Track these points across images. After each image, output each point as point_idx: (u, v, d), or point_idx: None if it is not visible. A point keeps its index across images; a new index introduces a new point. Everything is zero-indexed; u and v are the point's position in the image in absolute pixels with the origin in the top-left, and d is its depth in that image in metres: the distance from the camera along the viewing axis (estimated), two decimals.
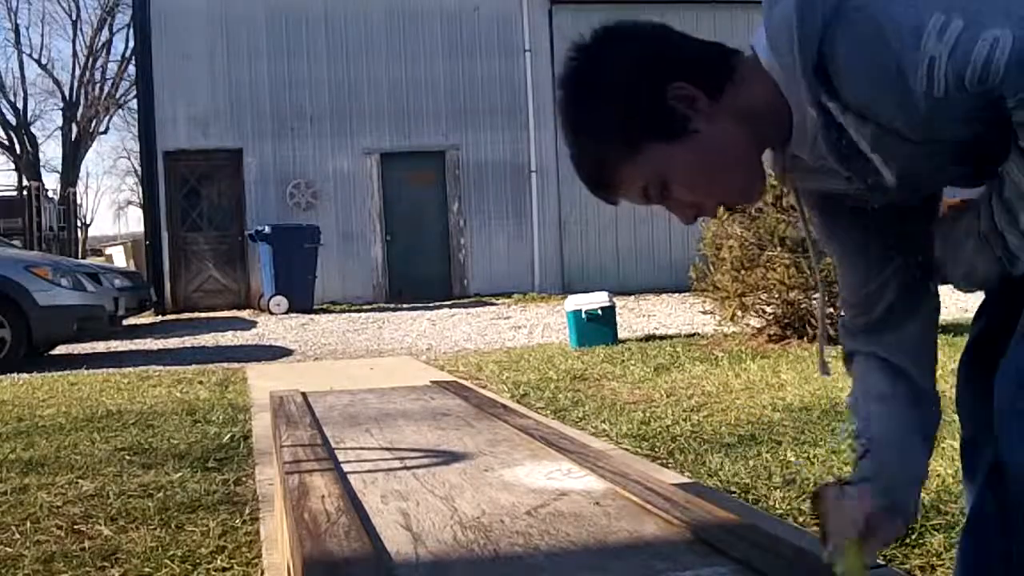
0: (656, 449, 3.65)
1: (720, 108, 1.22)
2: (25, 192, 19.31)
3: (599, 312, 7.34)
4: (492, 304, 12.73)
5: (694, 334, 7.80)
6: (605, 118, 1.23)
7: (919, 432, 1.49)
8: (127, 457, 3.77)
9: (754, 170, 1.26)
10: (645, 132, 1.22)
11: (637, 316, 10.06)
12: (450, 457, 1.94)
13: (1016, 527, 1.17)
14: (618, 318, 7.65)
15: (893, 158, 1.17)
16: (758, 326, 7.05)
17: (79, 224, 29.85)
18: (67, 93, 33.88)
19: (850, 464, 2.76)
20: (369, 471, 1.83)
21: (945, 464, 3.17)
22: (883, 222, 1.34)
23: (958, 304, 10.67)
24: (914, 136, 1.14)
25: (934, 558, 2.31)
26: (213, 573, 2.42)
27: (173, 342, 9.27)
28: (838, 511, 1.35)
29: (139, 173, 26.15)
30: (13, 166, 32.65)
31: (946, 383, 4.75)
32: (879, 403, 1.45)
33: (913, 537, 2.44)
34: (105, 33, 34.06)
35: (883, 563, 2.30)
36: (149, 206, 13.89)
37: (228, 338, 9.53)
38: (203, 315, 12.81)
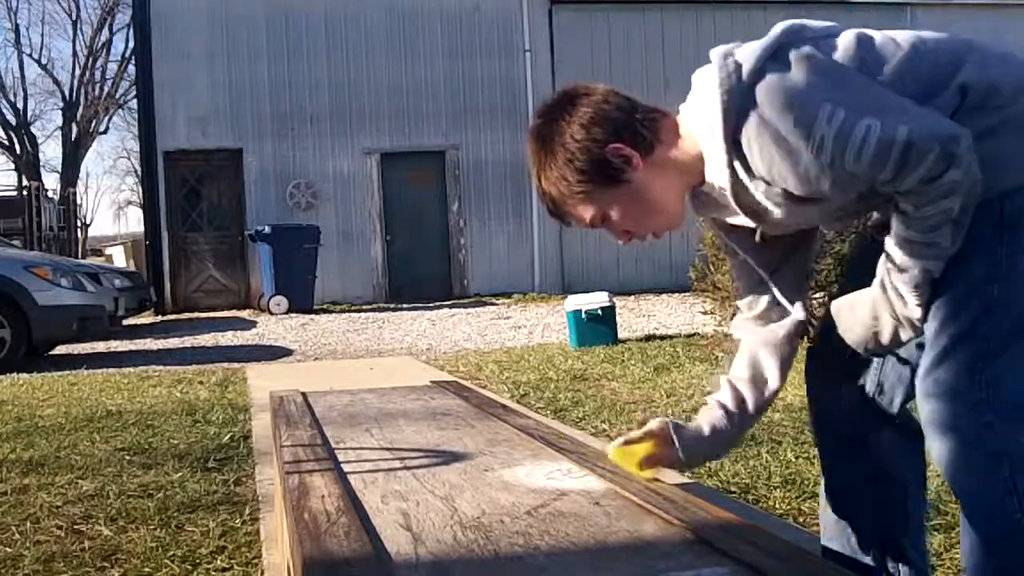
0: None
1: (651, 162, 1.57)
2: (25, 192, 19.31)
3: (599, 312, 7.34)
4: (492, 304, 12.73)
5: (694, 334, 7.80)
6: (561, 168, 1.58)
7: (747, 424, 1.81)
8: (127, 457, 3.77)
9: (674, 208, 1.63)
10: (590, 180, 1.57)
11: (637, 316, 10.06)
12: (450, 457, 1.94)
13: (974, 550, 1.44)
14: (618, 318, 7.65)
15: (778, 207, 1.53)
16: None
17: (79, 224, 29.85)
18: (67, 93, 33.90)
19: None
20: (369, 471, 1.83)
21: None
22: (768, 245, 1.71)
23: None
24: (801, 194, 1.48)
25: (934, 558, 2.30)
26: (213, 573, 2.42)
27: (173, 342, 9.27)
28: (659, 437, 1.73)
29: (139, 173, 26.16)
30: (13, 166, 32.67)
31: None
32: (750, 379, 1.79)
33: None
34: (105, 33, 34.09)
35: None
36: (149, 206, 13.89)
37: (228, 338, 9.53)
38: (203, 315, 12.81)
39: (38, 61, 35.02)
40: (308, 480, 1.71)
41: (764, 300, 1.77)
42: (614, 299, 7.65)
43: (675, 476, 3.21)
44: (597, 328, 7.30)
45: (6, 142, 33.15)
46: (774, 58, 1.46)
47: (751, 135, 1.44)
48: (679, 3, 14.91)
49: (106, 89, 34.44)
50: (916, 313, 1.46)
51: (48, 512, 2.98)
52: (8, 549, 2.62)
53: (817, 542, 1.93)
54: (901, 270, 1.46)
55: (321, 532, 1.38)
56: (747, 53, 1.49)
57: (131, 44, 24.29)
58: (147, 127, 13.68)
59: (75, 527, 2.82)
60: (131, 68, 26.19)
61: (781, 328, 1.77)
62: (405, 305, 13.00)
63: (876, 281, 1.51)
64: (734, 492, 3.01)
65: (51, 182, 33.35)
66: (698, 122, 1.54)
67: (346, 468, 1.85)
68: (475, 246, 14.34)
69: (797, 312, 1.76)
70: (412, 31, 14.13)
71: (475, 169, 14.25)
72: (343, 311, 12.43)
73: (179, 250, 13.78)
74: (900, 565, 1.73)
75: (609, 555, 1.31)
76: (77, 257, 21.86)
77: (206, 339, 9.48)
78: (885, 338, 1.52)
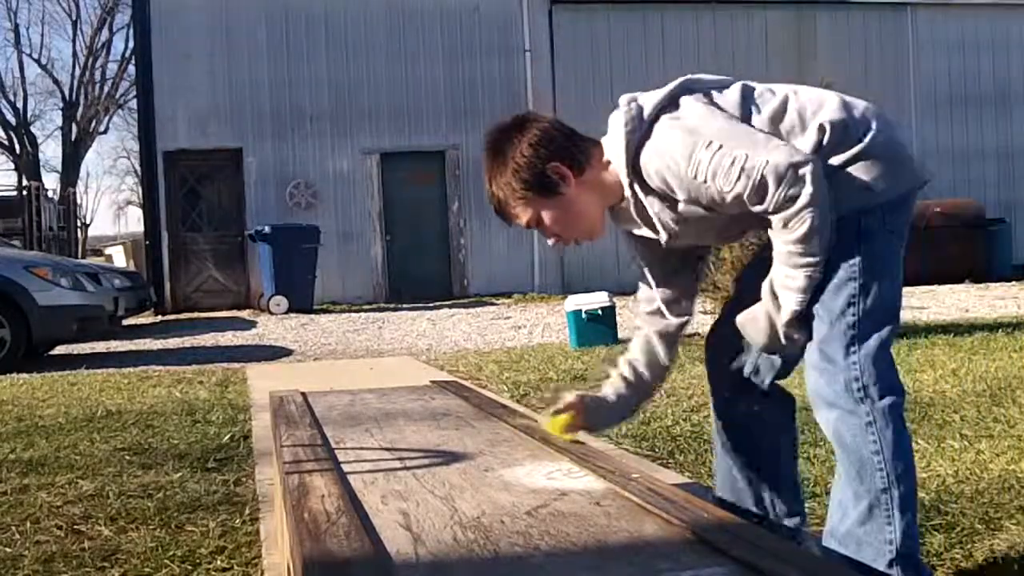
0: (656, 449, 3.65)
1: (581, 181, 1.93)
2: (25, 192, 19.30)
3: (599, 312, 7.34)
4: (492, 304, 12.73)
5: (694, 334, 7.78)
6: (509, 177, 1.93)
7: (645, 394, 2.23)
8: (127, 457, 3.77)
9: (596, 221, 1.98)
10: (531, 191, 1.92)
11: None
12: (450, 457, 1.94)
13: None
14: (618, 318, 7.65)
15: (674, 222, 1.90)
16: None
17: (79, 224, 29.84)
18: (67, 93, 33.91)
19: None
20: (369, 471, 1.83)
21: (945, 464, 3.17)
22: (668, 259, 2.08)
23: (958, 305, 10.66)
24: (684, 209, 1.84)
25: (934, 558, 2.30)
26: (213, 573, 2.42)
27: (173, 342, 9.27)
28: (576, 407, 2.13)
29: (139, 173, 26.15)
30: (13, 166, 32.66)
31: (946, 383, 4.77)
32: (646, 361, 2.16)
33: None
34: (105, 33, 34.13)
35: None
36: (149, 206, 13.89)
37: (228, 338, 9.53)
38: (203, 315, 12.81)
39: (38, 61, 35.07)
40: (308, 480, 1.71)
41: (659, 300, 2.13)
42: (614, 299, 7.65)
43: (675, 476, 3.21)
44: (597, 328, 7.30)
45: (6, 142, 33.16)
46: (670, 103, 1.87)
47: (646, 161, 1.83)
48: (679, 3, 14.91)
49: (106, 89, 34.48)
50: (797, 311, 1.81)
51: (48, 512, 2.98)
52: (8, 549, 2.62)
53: (817, 539, 1.94)
54: (787, 278, 1.80)
55: (321, 532, 1.38)
56: (648, 98, 1.88)
57: (131, 44, 24.29)
58: (147, 127, 13.68)
59: (75, 527, 2.82)
60: (131, 68, 26.18)
61: (673, 323, 2.14)
62: (405, 305, 13.00)
63: (765, 292, 1.86)
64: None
65: (51, 182, 33.40)
66: (612, 153, 1.90)
67: (346, 468, 1.85)
68: (475, 246, 14.34)
69: (686, 311, 2.14)
70: (412, 31, 14.13)
71: (475, 169, 14.21)
72: (343, 311, 12.43)
73: (179, 250, 13.78)
74: (777, 512, 2.12)
75: (609, 555, 1.31)
76: (77, 257, 21.86)
77: (206, 339, 9.48)
78: (783, 340, 1.88)
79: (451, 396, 2.79)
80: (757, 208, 1.75)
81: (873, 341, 1.78)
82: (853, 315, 1.78)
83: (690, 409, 4.48)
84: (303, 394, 2.87)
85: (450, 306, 12.49)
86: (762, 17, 15.16)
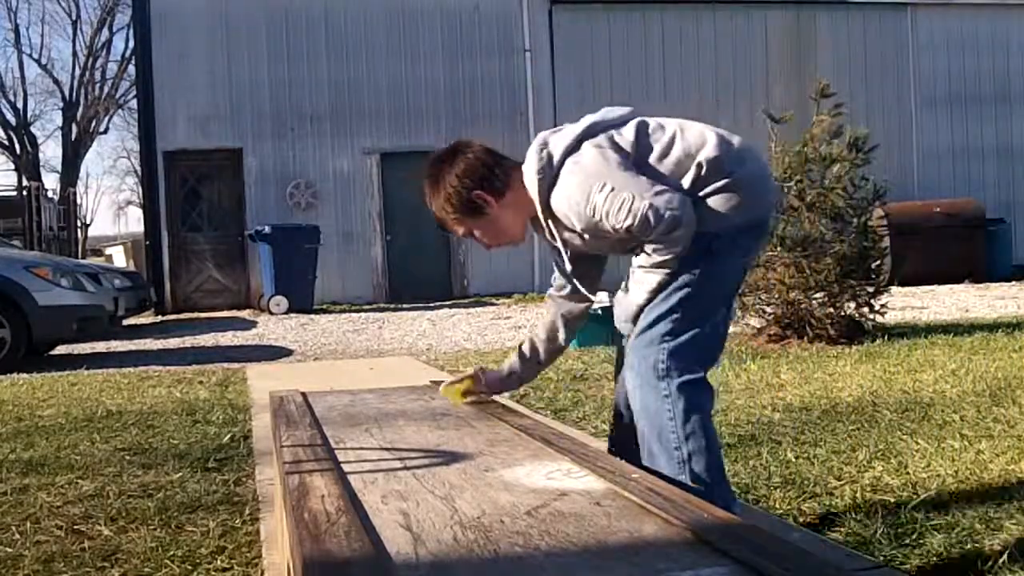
0: None
1: (502, 203, 2.32)
2: (25, 192, 19.30)
3: (599, 312, 7.31)
4: (492, 304, 12.73)
5: None
6: (442, 201, 2.34)
7: (535, 371, 2.69)
8: (127, 457, 3.77)
9: (517, 232, 2.41)
10: (461, 213, 2.34)
11: None
12: (450, 457, 1.94)
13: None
14: None
15: (578, 243, 2.33)
16: (758, 326, 7.05)
17: (79, 224, 29.83)
18: (67, 93, 33.89)
19: (840, 460, 2.76)
20: (369, 471, 1.83)
21: (945, 464, 3.17)
22: (576, 258, 2.44)
23: (958, 305, 10.65)
24: (588, 236, 2.26)
25: (934, 558, 2.31)
26: (213, 573, 2.42)
27: (173, 342, 9.27)
28: (475, 378, 2.64)
29: (139, 173, 26.15)
30: (13, 166, 32.63)
31: (946, 383, 4.77)
32: (547, 338, 2.61)
33: (913, 537, 2.45)
34: (105, 33, 34.10)
35: (883, 563, 2.30)
36: (149, 206, 13.89)
37: (228, 338, 9.53)
38: (203, 315, 12.81)
39: (38, 61, 35.06)
40: (308, 480, 1.71)
41: (569, 288, 2.55)
42: (613, 300, 7.64)
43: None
44: (597, 328, 7.28)
45: (6, 142, 33.15)
46: (575, 147, 2.22)
47: (555, 202, 2.23)
48: (679, 3, 14.90)
49: (106, 89, 34.46)
50: (641, 305, 2.25)
51: (48, 512, 2.98)
52: (8, 549, 2.62)
53: (816, 540, 1.94)
54: (644, 281, 2.23)
55: (321, 532, 1.38)
56: (557, 144, 2.24)
57: (131, 44, 24.27)
58: (147, 127, 13.67)
59: (75, 527, 2.82)
60: (131, 68, 26.17)
61: (578, 307, 2.60)
62: (405, 305, 13.00)
63: (626, 285, 2.32)
64: (734, 492, 3.01)
65: (51, 182, 33.38)
66: (528, 186, 2.28)
67: (346, 468, 1.85)
68: (475, 246, 14.26)
69: (589, 298, 2.58)
70: (412, 31, 14.13)
71: None
72: (343, 311, 12.43)
73: (179, 250, 13.78)
74: None
75: (609, 555, 1.31)
76: (77, 257, 21.86)
77: (206, 339, 9.48)
78: (634, 320, 2.28)
79: None
80: (641, 237, 2.16)
81: (684, 336, 2.18)
82: (676, 314, 2.18)
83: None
84: (303, 394, 2.87)
85: (450, 306, 12.49)
86: (762, 17, 15.16)
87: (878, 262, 7.17)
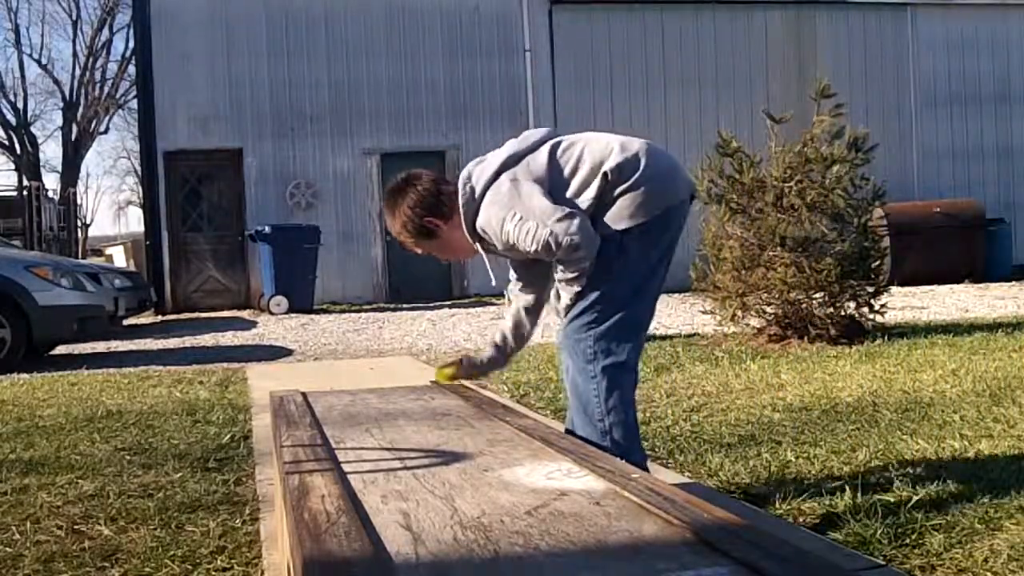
0: (656, 449, 3.65)
1: (451, 224, 2.63)
2: (25, 192, 19.30)
3: None
4: (492, 304, 12.73)
5: (694, 334, 7.80)
6: (399, 227, 2.68)
7: (509, 357, 3.00)
8: (127, 457, 3.77)
9: (467, 248, 2.68)
10: (415, 236, 2.67)
11: None
12: (450, 457, 1.94)
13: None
14: None
15: (498, 256, 2.68)
16: (758, 326, 7.05)
17: (79, 224, 29.82)
18: (67, 93, 33.88)
19: (840, 460, 2.77)
20: (369, 471, 1.83)
21: (945, 464, 3.17)
22: (521, 263, 2.78)
23: (958, 305, 10.64)
24: (508, 254, 2.62)
25: (934, 558, 2.31)
26: (213, 573, 2.42)
27: (173, 342, 9.27)
28: (460, 364, 3.06)
29: (139, 173, 26.15)
30: (13, 166, 32.63)
31: (946, 383, 4.77)
32: (513, 327, 2.92)
33: (913, 537, 2.45)
34: (105, 33, 34.07)
35: (883, 563, 2.30)
36: (149, 206, 13.89)
37: (228, 338, 9.53)
38: (203, 315, 12.81)
39: (38, 61, 35.04)
40: (308, 480, 1.71)
41: (520, 283, 2.84)
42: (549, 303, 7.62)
43: (675, 476, 3.21)
44: None
45: (6, 142, 33.14)
46: (494, 179, 2.54)
47: (481, 225, 2.54)
48: (679, 3, 14.90)
49: (106, 89, 34.44)
50: (568, 304, 2.55)
51: (48, 512, 2.98)
52: (8, 549, 2.62)
53: (816, 540, 1.94)
54: (564, 291, 2.54)
55: (321, 532, 1.38)
56: (479, 177, 2.57)
57: (131, 44, 24.29)
58: (147, 127, 13.67)
59: (75, 527, 2.82)
60: (131, 68, 26.19)
61: (531, 299, 2.85)
62: (405, 305, 13.00)
63: (557, 292, 2.60)
64: (734, 492, 3.02)
65: (51, 182, 33.36)
66: (463, 218, 2.60)
67: (346, 468, 1.85)
68: None
69: (540, 291, 2.82)
70: (412, 31, 14.13)
71: None
72: (343, 311, 12.43)
73: (179, 250, 13.78)
74: None
75: (609, 555, 1.31)
76: (77, 257, 21.86)
77: (206, 339, 9.48)
78: (563, 313, 2.59)
79: (451, 396, 2.79)
80: (547, 258, 2.50)
81: (609, 322, 2.48)
82: (599, 304, 2.48)
83: (690, 409, 4.48)
84: (303, 394, 2.87)
85: (450, 306, 12.49)
86: (762, 17, 15.16)
87: (878, 262, 7.17)
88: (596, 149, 2.51)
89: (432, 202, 2.65)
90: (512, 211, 2.46)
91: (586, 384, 2.50)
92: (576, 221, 2.41)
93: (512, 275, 2.87)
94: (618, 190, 2.46)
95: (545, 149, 2.55)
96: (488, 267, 2.80)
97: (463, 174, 2.63)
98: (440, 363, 3.08)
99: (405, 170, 2.82)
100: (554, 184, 2.49)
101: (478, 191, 2.56)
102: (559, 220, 2.40)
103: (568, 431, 2.55)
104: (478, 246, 2.68)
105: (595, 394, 2.49)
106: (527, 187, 2.49)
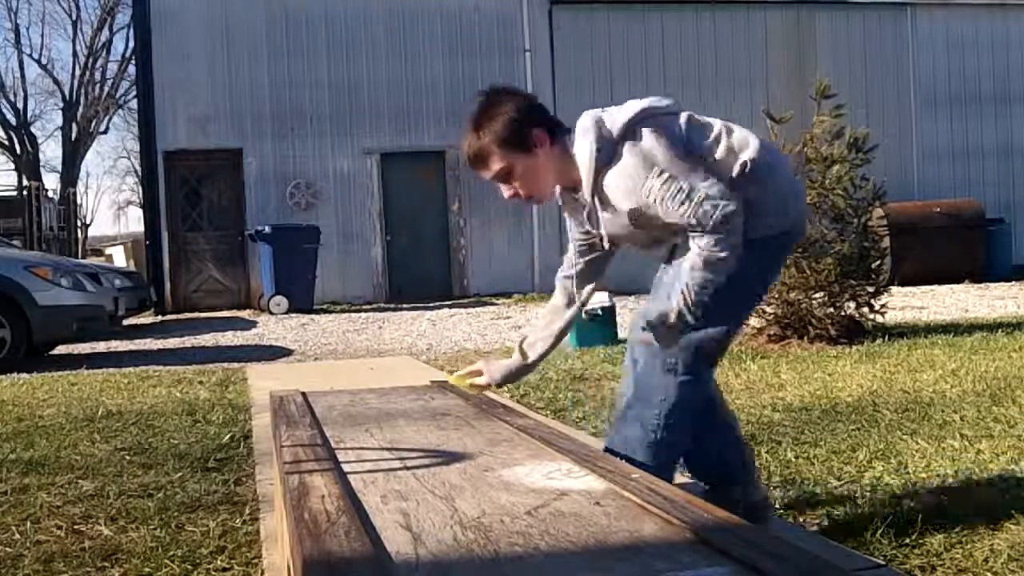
0: None
1: (551, 152, 2.28)
2: (25, 192, 19.31)
3: (599, 312, 7.34)
4: (492, 304, 12.73)
5: None
6: (498, 126, 2.28)
7: (546, 349, 2.61)
8: (127, 457, 3.77)
9: (548, 189, 2.36)
10: (512, 143, 2.26)
11: None
12: (450, 457, 1.94)
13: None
14: (618, 318, 7.65)
15: (617, 229, 2.30)
16: (758, 326, 7.05)
17: (79, 224, 29.84)
18: (67, 93, 33.89)
19: (840, 460, 2.76)
20: (369, 471, 1.83)
21: (945, 464, 3.17)
22: (591, 243, 2.49)
23: (958, 305, 10.64)
24: (629, 219, 2.23)
25: (934, 558, 2.31)
26: (213, 573, 2.42)
27: (173, 342, 9.27)
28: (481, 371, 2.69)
29: (139, 173, 26.16)
30: (13, 166, 32.64)
31: (946, 383, 4.77)
32: (545, 324, 2.60)
33: (913, 537, 2.44)
34: (105, 33, 34.09)
35: (883, 563, 2.30)
36: (149, 206, 13.89)
37: (228, 338, 9.53)
38: (203, 315, 12.81)
39: (38, 61, 35.09)
40: (308, 480, 1.71)
41: (578, 267, 2.55)
42: (614, 299, 7.65)
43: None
44: (597, 328, 7.29)
45: (6, 142, 33.14)
46: (631, 130, 2.20)
47: (608, 182, 2.20)
48: (679, 3, 14.91)
49: (106, 89, 34.45)
50: (683, 310, 2.18)
51: (48, 512, 2.98)
52: (8, 549, 2.62)
53: (817, 539, 1.94)
54: (697, 276, 2.15)
55: (321, 532, 1.38)
56: (614, 122, 2.22)
57: (131, 44, 24.30)
58: (147, 127, 13.67)
59: (75, 527, 2.82)
60: (131, 68, 26.19)
61: (581, 294, 2.57)
62: (405, 305, 13.00)
63: (680, 276, 2.20)
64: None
65: (51, 182, 33.36)
66: (579, 159, 2.25)
67: (346, 468, 1.85)
68: (475, 246, 14.34)
69: (591, 282, 2.56)
70: (412, 31, 14.13)
71: None
72: (343, 311, 12.43)
73: (179, 250, 13.78)
74: None
75: (609, 555, 1.31)
76: (77, 257, 21.85)
77: (206, 339, 9.48)
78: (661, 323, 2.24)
79: (451, 396, 2.79)
80: (692, 227, 2.13)
81: (700, 336, 2.23)
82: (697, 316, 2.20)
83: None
84: (303, 394, 2.87)
85: (450, 306, 12.49)
86: (762, 17, 15.16)
87: (878, 262, 7.17)
88: (736, 136, 2.26)
89: (546, 115, 2.30)
90: (659, 167, 2.13)
91: (654, 392, 2.28)
92: (728, 189, 2.12)
93: (572, 258, 2.55)
94: (755, 186, 2.20)
95: (683, 116, 2.27)
96: (571, 228, 2.48)
97: (588, 117, 2.26)
98: (457, 370, 2.75)
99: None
100: (693, 155, 2.19)
101: (615, 135, 2.20)
102: (713, 184, 2.11)
103: (618, 426, 2.37)
104: (560, 198, 2.38)
105: (659, 404, 2.27)
106: (673, 144, 2.17)
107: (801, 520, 2.69)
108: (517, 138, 2.24)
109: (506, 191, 2.33)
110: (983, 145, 15.84)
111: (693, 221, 2.11)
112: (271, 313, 11.90)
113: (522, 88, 2.30)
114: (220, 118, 13.70)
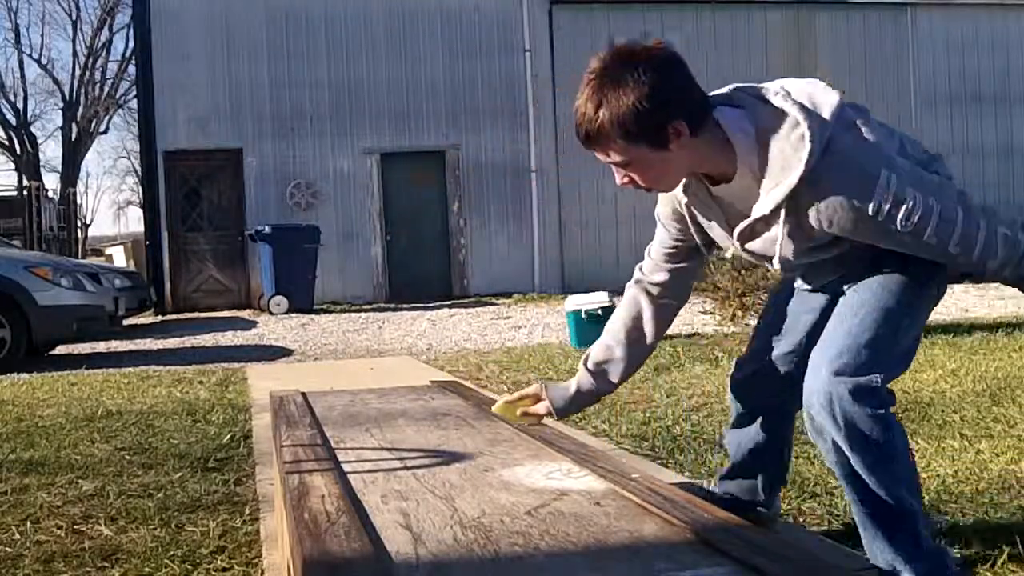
0: (656, 449, 3.65)
1: (689, 143, 1.73)
2: (25, 192, 19.31)
3: (599, 312, 7.34)
4: (492, 304, 12.73)
5: (694, 334, 7.80)
6: (625, 109, 1.67)
7: (627, 368, 2.12)
8: (127, 457, 3.77)
9: (676, 181, 1.87)
10: (640, 137, 1.71)
11: None
12: (450, 457, 1.94)
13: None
14: None
15: (779, 240, 1.80)
16: None
17: (79, 224, 29.82)
18: (67, 93, 33.89)
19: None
20: (369, 471, 1.83)
21: (945, 464, 3.17)
22: (691, 245, 2.06)
23: (958, 305, 10.64)
24: (832, 232, 1.75)
25: None
26: (213, 573, 2.42)
27: (173, 342, 9.27)
28: (533, 397, 2.14)
29: (139, 173, 26.15)
30: (13, 166, 32.64)
31: (946, 383, 4.77)
32: (621, 338, 2.11)
33: None
34: (105, 33, 34.09)
35: None
36: (149, 206, 13.89)
37: (228, 338, 9.53)
38: (203, 315, 12.81)
39: (38, 61, 35.06)
40: (308, 480, 1.71)
41: (664, 275, 2.10)
42: (614, 299, 7.65)
43: (675, 476, 3.21)
44: (597, 328, 7.24)
45: (6, 142, 33.14)
46: (843, 122, 1.73)
47: (814, 189, 1.70)
48: (679, 3, 14.91)
49: (106, 89, 34.45)
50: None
51: (48, 512, 2.98)
52: (8, 549, 2.62)
53: (817, 539, 1.94)
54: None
55: (321, 532, 1.38)
56: (822, 108, 1.73)
57: (131, 44, 24.30)
58: (147, 127, 13.68)
59: (75, 527, 2.82)
60: (131, 68, 26.19)
61: (671, 302, 2.11)
62: (405, 305, 13.00)
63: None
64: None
65: (51, 182, 33.35)
66: (775, 152, 1.71)
67: (346, 468, 1.85)
68: (475, 246, 14.34)
69: (678, 298, 2.13)
70: (412, 31, 14.13)
71: (475, 169, 14.26)
72: (343, 311, 12.43)
73: (179, 250, 13.78)
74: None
75: (609, 555, 1.31)
76: (77, 257, 21.86)
77: (206, 339, 9.48)
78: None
79: (451, 396, 2.79)
80: (956, 254, 1.76)
81: (899, 348, 1.88)
82: (905, 320, 1.88)
83: (690, 409, 4.48)
84: (303, 394, 2.87)
85: (450, 306, 12.49)
86: (762, 17, 15.16)
87: None
88: (906, 136, 1.95)
89: (693, 101, 1.72)
90: (894, 174, 1.70)
91: (870, 423, 1.80)
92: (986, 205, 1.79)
93: (657, 262, 2.11)
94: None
95: (867, 112, 1.82)
96: (666, 224, 2.05)
97: (792, 107, 1.72)
98: (508, 396, 2.20)
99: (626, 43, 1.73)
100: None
101: (824, 131, 1.69)
102: (973, 204, 1.77)
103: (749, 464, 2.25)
104: (682, 199, 1.92)
105: (883, 430, 1.80)
106: (889, 145, 1.79)
107: (801, 520, 2.69)
108: (647, 133, 1.70)
109: (620, 177, 1.82)
110: (983, 145, 15.83)
111: (958, 249, 1.77)
112: (271, 313, 11.90)
113: (660, 53, 1.70)
114: (220, 118, 13.70)
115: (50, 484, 3.33)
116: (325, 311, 12.38)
